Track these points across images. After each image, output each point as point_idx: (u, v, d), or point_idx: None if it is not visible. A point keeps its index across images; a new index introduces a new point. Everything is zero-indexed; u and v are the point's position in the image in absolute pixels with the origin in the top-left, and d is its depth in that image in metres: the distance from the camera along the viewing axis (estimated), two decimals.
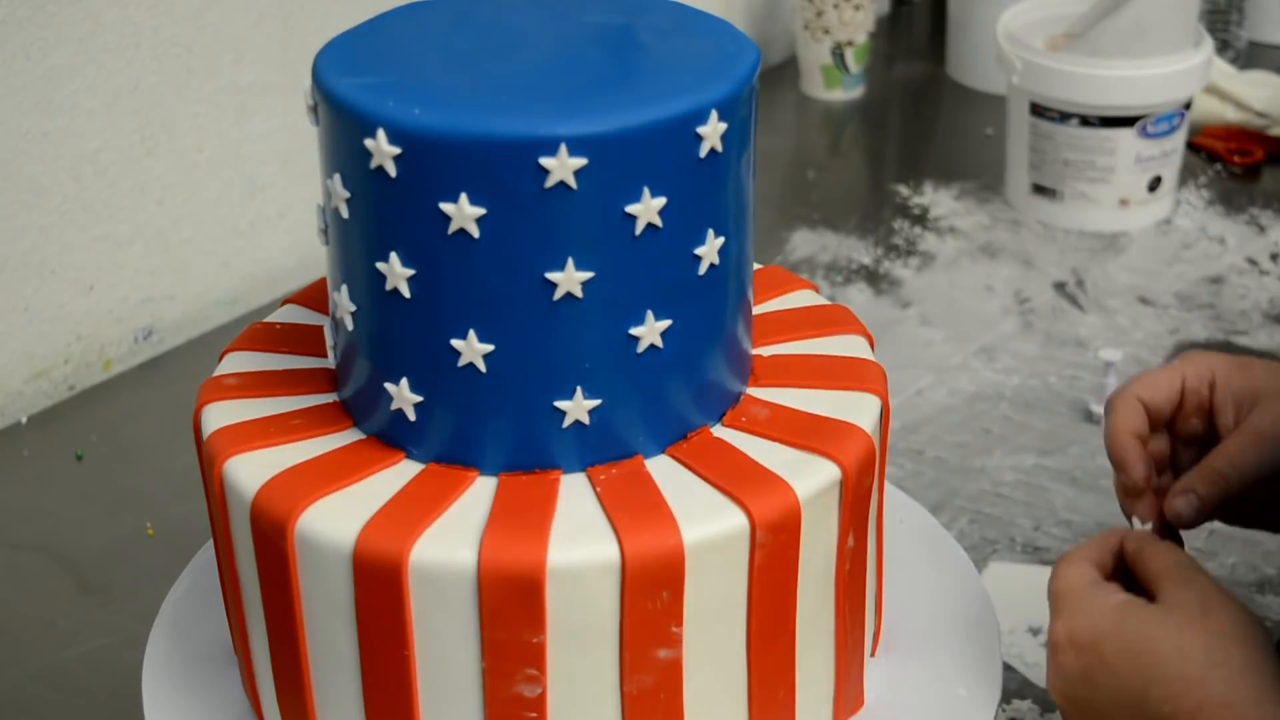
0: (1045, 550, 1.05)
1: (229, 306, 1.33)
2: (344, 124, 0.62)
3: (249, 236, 1.33)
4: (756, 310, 0.75)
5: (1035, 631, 0.96)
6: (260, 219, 1.34)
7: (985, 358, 1.25)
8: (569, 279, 0.62)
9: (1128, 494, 0.78)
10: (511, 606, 0.61)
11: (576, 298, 0.62)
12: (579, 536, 0.62)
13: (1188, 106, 1.43)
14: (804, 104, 1.73)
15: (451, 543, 0.62)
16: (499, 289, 0.62)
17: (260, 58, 1.30)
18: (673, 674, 0.64)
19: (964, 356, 1.26)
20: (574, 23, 0.68)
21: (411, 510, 0.63)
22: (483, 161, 0.60)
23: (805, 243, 1.43)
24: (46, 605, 1.00)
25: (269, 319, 0.76)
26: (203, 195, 1.29)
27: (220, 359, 0.74)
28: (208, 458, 0.68)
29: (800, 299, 0.78)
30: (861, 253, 1.41)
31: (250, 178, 1.32)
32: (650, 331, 0.64)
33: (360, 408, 0.68)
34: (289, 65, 1.31)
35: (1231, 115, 1.58)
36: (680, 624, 0.63)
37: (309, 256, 1.37)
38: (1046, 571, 1.02)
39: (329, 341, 0.70)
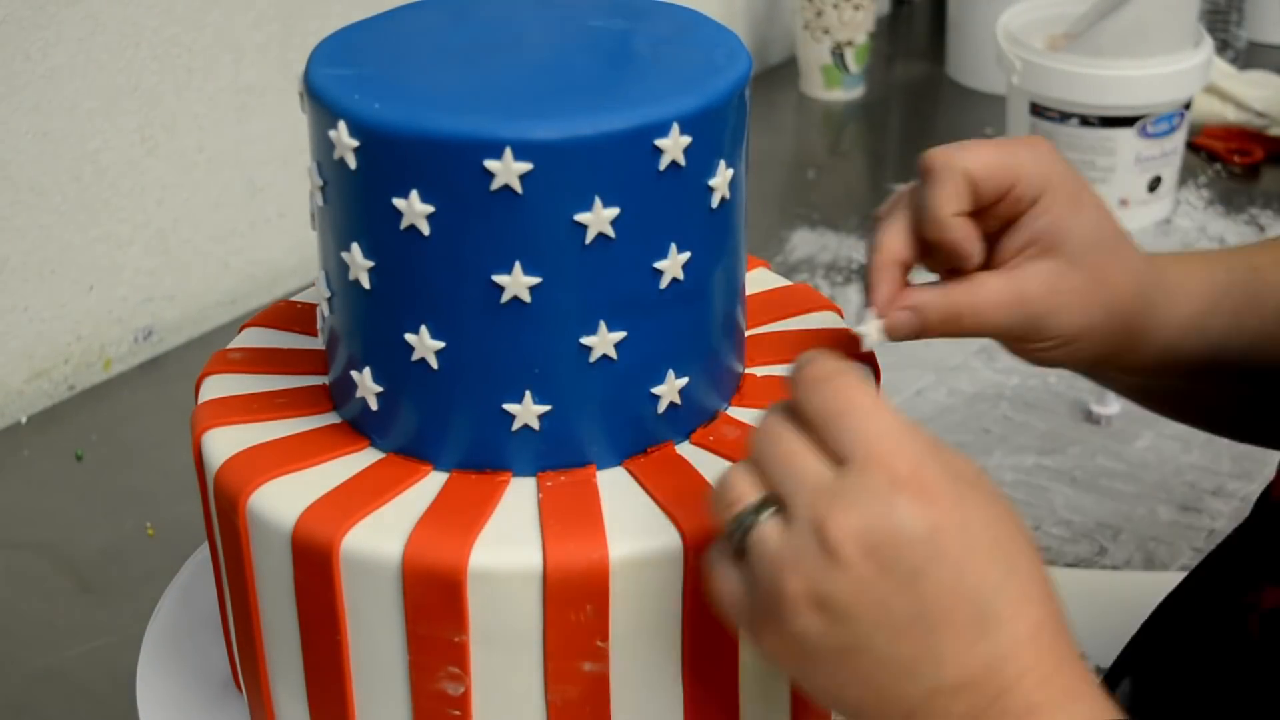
0: (1045, 550, 1.05)
1: (229, 306, 1.33)
2: (317, 114, 0.63)
3: (249, 236, 1.33)
4: (771, 328, 0.73)
5: None
6: (260, 219, 1.34)
7: (985, 358, 1.25)
8: (516, 283, 0.61)
9: (874, 271, 0.68)
10: (433, 603, 0.61)
11: (524, 302, 0.61)
12: (506, 540, 0.61)
13: (1188, 106, 1.44)
14: (804, 104, 1.73)
15: (382, 534, 0.62)
16: (448, 287, 0.62)
17: (260, 58, 1.30)
18: (599, 688, 0.63)
19: (964, 356, 1.26)
20: (575, 26, 0.68)
21: (354, 498, 0.64)
22: (430, 160, 0.60)
23: (805, 243, 1.43)
24: (46, 605, 1.01)
25: (295, 297, 0.77)
26: (203, 195, 1.29)
27: (239, 331, 0.75)
28: (193, 427, 0.69)
29: (819, 320, 0.75)
30: (861, 253, 1.41)
31: (250, 178, 1.32)
32: (603, 342, 0.63)
33: (337, 393, 0.69)
34: (289, 65, 1.31)
35: (1231, 115, 1.58)
36: (606, 639, 0.62)
37: (309, 257, 1.36)
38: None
39: (319, 325, 0.70)
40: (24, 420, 1.20)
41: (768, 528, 0.54)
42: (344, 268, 0.64)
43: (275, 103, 1.31)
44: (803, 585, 0.53)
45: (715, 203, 0.64)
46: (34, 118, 1.16)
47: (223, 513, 0.66)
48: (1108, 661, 0.93)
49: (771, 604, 0.54)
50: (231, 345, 0.73)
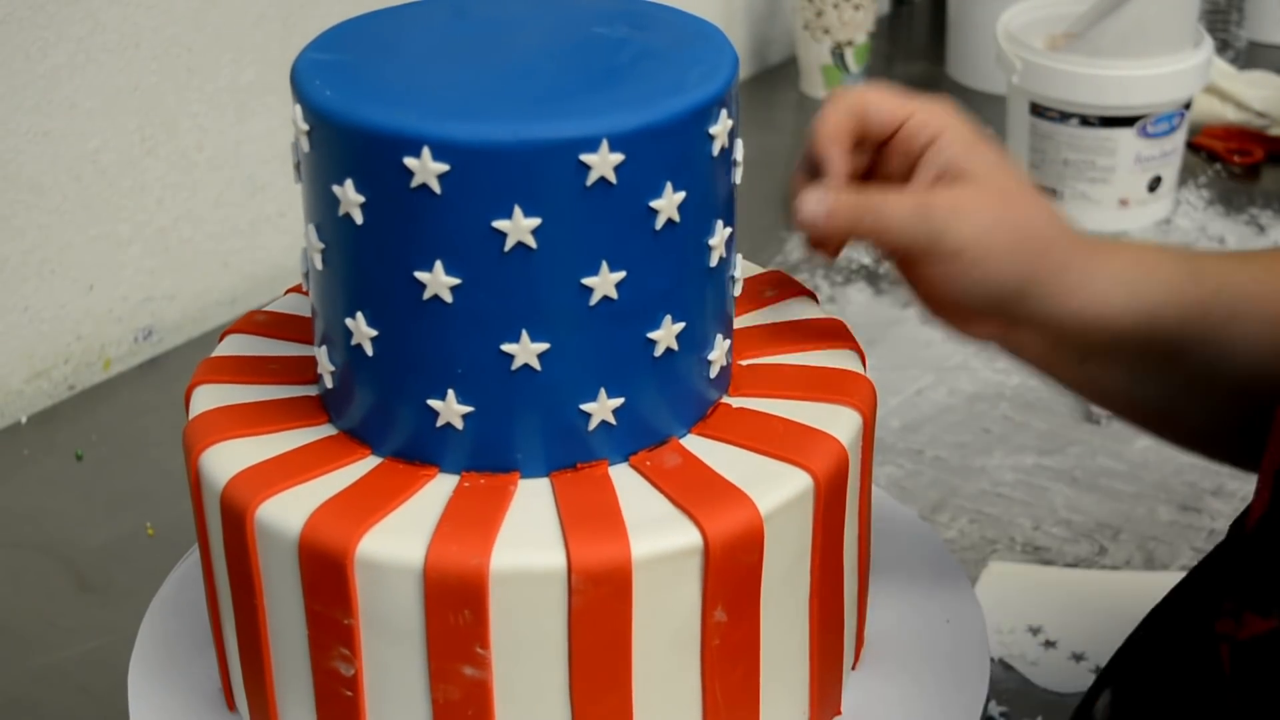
0: (1045, 550, 1.05)
1: (229, 306, 1.33)
2: (292, 96, 0.65)
3: (249, 236, 1.33)
4: (776, 359, 0.72)
5: (1035, 630, 0.96)
6: (260, 219, 1.34)
7: (985, 357, 1.25)
8: (436, 282, 0.61)
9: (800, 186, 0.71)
10: (326, 583, 0.62)
11: (445, 301, 0.61)
12: (399, 533, 0.62)
13: (1188, 106, 1.44)
14: (804, 104, 1.73)
15: (290, 508, 0.63)
16: (377, 279, 0.62)
17: (260, 58, 1.30)
18: (481, 694, 0.62)
19: (964, 356, 1.26)
20: (573, 32, 0.67)
21: (286, 469, 0.65)
22: (359, 152, 0.61)
23: None
24: (46, 605, 1.01)
25: None
26: (203, 195, 1.29)
27: (285, 293, 0.77)
28: (188, 387, 0.71)
29: (834, 358, 0.72)
30: (861, 253, 1.41)
31: (250, 178, 1.32)
32: (524, 351, 0.62)
33: (315, 367, 0.70)
34: (289, 65, 1.31)
35: (1231, 115, 1.59)
36: (486, 647, 0.61)
37: None
38: (1047, 571, 1.02)
39: None
40: (24, 420, 1.20)
41: None
42: (308, 248, 0.66)
43: (275, 103, 1.31)
44: None
45: (659, 224, 0.62)
46: (34, 117, 1.16)
47: (188, 470, 0.68)
48: (1106, 661, 0.93)
49: None
50: (270, 308, 0.75)
